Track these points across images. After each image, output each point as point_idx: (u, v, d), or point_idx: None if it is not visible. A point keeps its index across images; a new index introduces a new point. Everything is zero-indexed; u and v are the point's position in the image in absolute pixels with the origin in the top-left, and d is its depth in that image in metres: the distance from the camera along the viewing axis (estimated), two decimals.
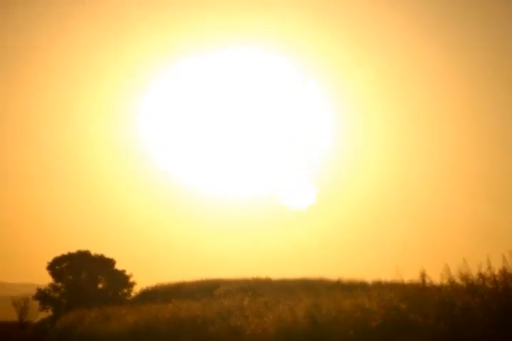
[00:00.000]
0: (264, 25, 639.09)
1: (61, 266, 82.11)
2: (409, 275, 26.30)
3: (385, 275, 45.46)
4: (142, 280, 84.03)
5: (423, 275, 25.05)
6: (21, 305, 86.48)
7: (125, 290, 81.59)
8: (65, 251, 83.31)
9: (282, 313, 30.20)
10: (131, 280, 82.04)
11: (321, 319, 26.56)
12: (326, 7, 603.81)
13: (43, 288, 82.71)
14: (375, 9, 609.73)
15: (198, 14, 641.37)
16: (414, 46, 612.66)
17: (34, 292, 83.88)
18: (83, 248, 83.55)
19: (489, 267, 22.98)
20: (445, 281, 24.02)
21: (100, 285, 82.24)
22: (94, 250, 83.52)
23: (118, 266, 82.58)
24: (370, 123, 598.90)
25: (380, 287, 34.82)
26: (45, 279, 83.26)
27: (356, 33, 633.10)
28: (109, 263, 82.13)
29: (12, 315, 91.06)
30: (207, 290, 54.61)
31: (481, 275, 22.98)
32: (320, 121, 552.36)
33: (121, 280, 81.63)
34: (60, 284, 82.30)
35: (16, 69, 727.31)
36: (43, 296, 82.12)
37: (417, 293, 24.38)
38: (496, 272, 22.78)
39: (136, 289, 79.64)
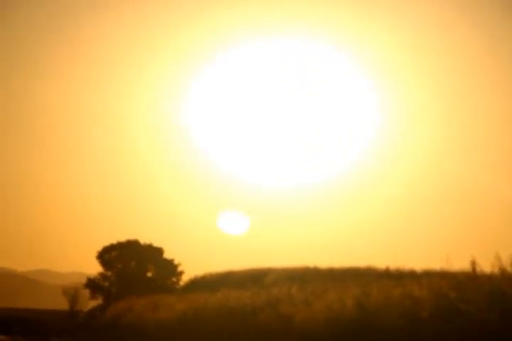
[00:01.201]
0: (307, 19, 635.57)
1: (110, 255, 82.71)
2: (459, 263, 26.07)
3: (434, 264, 45.17)
4: (191, 269, 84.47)
5: (473, 263, 24.78)
6: (72, 293, 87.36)
7: (174, 279, 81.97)
8: (114, 240, 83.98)
9: (331, 301, 30.11)
10: (179, 269, 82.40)
11: (369, 307, 26.42)
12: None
13: (92, 276, 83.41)
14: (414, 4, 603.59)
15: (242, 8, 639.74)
16: (460, 42, 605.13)
17: (84, 281, 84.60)
18: (132, 237, 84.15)
19: None
20: (496, 270, 23.75)
21: (149, 274, 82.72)
22: (143, 239, 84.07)
23: (166, 255, 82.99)
24: (411, 116, 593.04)
25: (429, 275, 34.54)
26: (95, 268, 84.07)
27: (396, 26, 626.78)
28: (157, 252, 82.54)
29: (63, 304, 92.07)
30: (255, 278, 54.59)
31: None
32: (360, 118, 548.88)
33: (170, 269, 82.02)
34: (109, 273, 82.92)
35: (61, 64, 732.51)
36: (92, 285, 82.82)
37: (468, 282, 24.13)
38: None
39: (185, 278, 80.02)
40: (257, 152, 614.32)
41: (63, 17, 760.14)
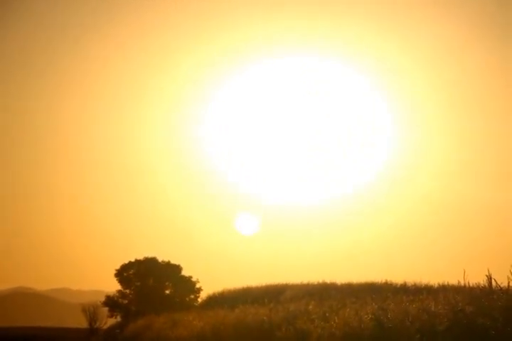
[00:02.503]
0: (319, 30, 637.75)
1: (129, 273, 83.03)
2: (475, 278, 26.13)
3: (449, 279, 45.20)
4: (208, 286, 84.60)
5: (489, 278, 24.82)
6: (91, 311, 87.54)
7: (192, 296, 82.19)
8: (132, 258, 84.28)
9: (348, 317, 30.16)
10: (197, 286, 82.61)
11: (387, 322, 26.46)
12: (385, 10, 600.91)
13: (111, 294, 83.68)
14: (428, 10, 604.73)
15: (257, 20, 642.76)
16: (474, 48, 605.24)
17: (103, 299, 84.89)
18: (150, 255, 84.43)
19: None
20: None
21: (167, 292, 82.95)
22: (161, 257, 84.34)
23: (185, 273, 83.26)
24: (428, 126, 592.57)
25: (445, 290, 34.58)
26: (113, 286, 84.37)
27: (412, 35, 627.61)
28: (175, 269, 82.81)
29: (82, 322, 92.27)
30: (273, 295, 54.69)
31: None
32: (377, 124, 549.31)
33: (188, 286, 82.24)
34: (127, 291, 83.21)
35: (76, 76, 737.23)
36: (111, 303, 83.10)
37: (484, 296, 24.16)
38: None
39: (203, 295, 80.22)
40: (273, 168, 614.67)
41: (78, 28, 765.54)
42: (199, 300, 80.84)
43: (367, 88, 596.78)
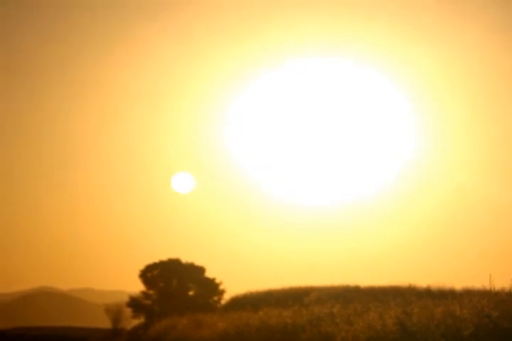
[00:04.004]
0: (346, 33, 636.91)
1: (152, 274, 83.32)
2: (500, 282, 26.06)
3: (474, 282, 45.05)
4: (232, 287, 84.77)
5: None
6: (114, 312, 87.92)
7: (215, 298, 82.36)
8: (155, 259, 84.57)
9: (372, 321, 30.16)
10: (221, 287, 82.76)
11: (411, 327, 26.44)
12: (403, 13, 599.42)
13: (135, 295, 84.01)
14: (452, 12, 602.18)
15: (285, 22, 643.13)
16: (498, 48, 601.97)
17: (126, 299, 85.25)
18: (173, 256, 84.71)
19: None
20: None
21: (191, 293, 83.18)
22: (185, 258, 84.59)
23: (208, 274, 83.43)
24: (449, 126, 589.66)
25: (470, 294, 34.44)
26: (136, 286, 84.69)
27: (434, 35, 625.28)
28: (199, 270, 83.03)
29: (105, 322, 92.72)
30: (297, 297, 54.71)
31: None
32: (401, 126, 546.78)
33: (212, 287, 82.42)
34: (151, 291, 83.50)
35: (98, 85, 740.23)
36: (135, 303, 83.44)
37: (510, 301, 24.11)
38: None
39: (226, 296, 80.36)
40: (296, 170, 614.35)
41: (98, 28, 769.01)
42: (222, 301, 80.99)
43: (386, 89, 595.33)
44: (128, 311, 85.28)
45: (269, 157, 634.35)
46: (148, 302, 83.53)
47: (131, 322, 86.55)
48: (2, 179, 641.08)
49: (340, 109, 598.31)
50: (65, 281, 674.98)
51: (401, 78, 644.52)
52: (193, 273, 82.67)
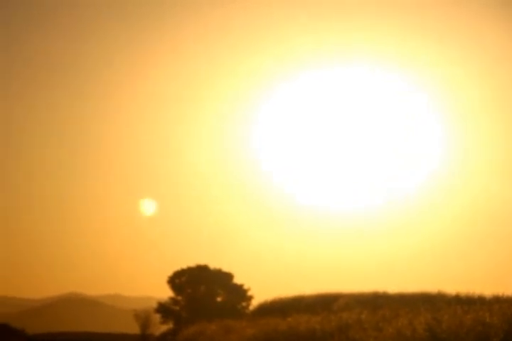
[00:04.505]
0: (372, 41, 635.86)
1: (181, 280, 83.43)
2: None
3: (503, 289, 44.80)
4: (260, 293, 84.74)
5: None
6: (143, 318, 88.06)
7: (243, 304, 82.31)
8: (183, 265, 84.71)
9: (401, 327, 30.14)
10: (249, 293, 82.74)
11: (441, 333, 26.43)
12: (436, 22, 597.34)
13: (163, 301, 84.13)
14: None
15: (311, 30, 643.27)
16: None
17: (154, 305, 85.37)
18: (202, 262, 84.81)
19: None
20: None
21: (219, 299, 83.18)
22: (213, 264, 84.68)
23: (236, 280, 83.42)
24: (479, 134, 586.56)
25: (499, 301, 34.33)
26: (165, 293, 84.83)
27: (466, 44, 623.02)
28: (227, 277, 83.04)
29: (133, 328, 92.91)
30: (325, 303, 54.66)
31: None
32: (424, 132, 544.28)
33: (240, 293, 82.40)
34: (179, 297, 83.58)
35: (127, 87, 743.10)
36: (163, 309, 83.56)
37: None
38: None
39: (254, 302, 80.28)
40: (324, 175, 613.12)
41: (135, 28, 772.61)
42: (250, 307, 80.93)
43: (408, 98, 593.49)
44: (156, 317, 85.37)
45: (299, 165, 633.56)
46: (177, 308, 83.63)
47: (160, 328, 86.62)
48: (32, 187, 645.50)
49: (362, 116, 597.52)
50: (93, 287, 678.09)
51: (422, 85, 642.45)
52: (221, 279, 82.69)
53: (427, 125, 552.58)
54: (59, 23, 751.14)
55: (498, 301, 34.91)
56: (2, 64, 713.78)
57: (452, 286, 56.29)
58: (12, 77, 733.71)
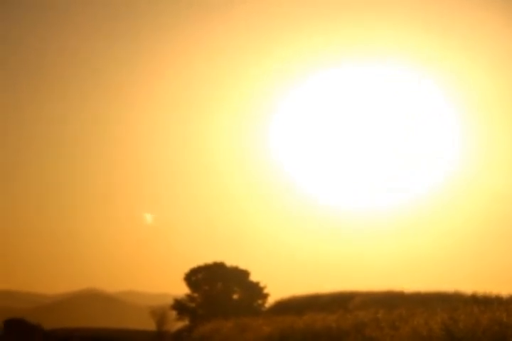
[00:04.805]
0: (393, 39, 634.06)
1: (197, 277, 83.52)
2: None
3: None
4: (276, 291, 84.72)
5: None
6: (159, 314, 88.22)
7: (260, 302, 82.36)
8: (200, 262, 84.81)
9: (417, 326, 30.11)
10: (265, 291, 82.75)
11: (457, 333, 26.39)
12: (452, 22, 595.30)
13: (179, 298, 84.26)
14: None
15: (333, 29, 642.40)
16: None
17: (170, 302, 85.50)
18: (218, 259, 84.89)
19: None
20: None
21: (235, 296, 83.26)
22: (229, 261, 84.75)
23: (252, 278, 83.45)
24: (497, 135, 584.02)
25: None
26: (182, 290, 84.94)
27: (486, 46, 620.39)
28: (244, 274, 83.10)
29: (150, 324, 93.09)
30: (341, 302, 54.69)
31: None
32: (446, 133, 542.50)
33: (256, 291, 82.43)
34: (196, 295, 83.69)
35: (145, 91, 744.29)
36: (179, 306, 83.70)
37: None
38: None
39: (270, 300, 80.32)
40: (342, 174, 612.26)
41: (151, 28, 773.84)
42: (266, 305, 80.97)
43: (427, 98, 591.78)
44: (172, 314, 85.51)
45: (316, 160, 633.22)
46: (193, 305, 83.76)
47: (176, 324, 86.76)
48: (49, 184, 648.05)
49: (378, 116, 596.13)
50: (110, 284, 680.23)
51: (443, 86, 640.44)
52: (237, 277, 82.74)
53: (442, 124, 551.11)
54: (69, 22, 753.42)
55: None
56: (13, 63, 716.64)
57: (469, 286, 56.06)
58: (21, 77, 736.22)
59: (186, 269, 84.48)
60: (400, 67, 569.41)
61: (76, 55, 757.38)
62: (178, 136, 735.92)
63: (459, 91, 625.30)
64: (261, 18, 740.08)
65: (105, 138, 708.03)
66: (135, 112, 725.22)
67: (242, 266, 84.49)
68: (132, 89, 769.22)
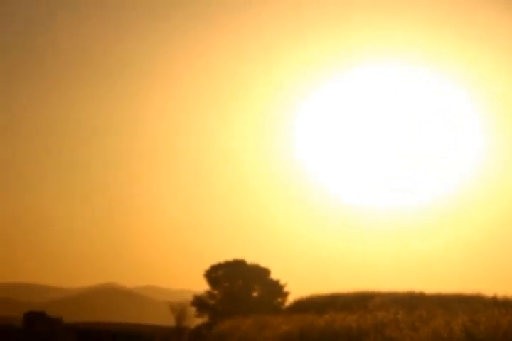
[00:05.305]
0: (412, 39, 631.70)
1: (217, 274, 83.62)
2: None
3: None
4: (296, 290, 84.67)
5: None
6: (178, 310, 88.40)
7: (279, 300, 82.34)
8: (221, 259, 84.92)
9: (438, 328, 30.07)
10: (285, 289, 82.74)
11: (478, 335, 26.35)
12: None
13: (199, 294, 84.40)
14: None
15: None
16: None
17: (190, 298, 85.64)
18: (239, 257, 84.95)
19: None
20: None
21: (255, 294, 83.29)
22: (250, 259, 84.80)
23: (273, 276, 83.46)
24: None
25: None
26: (201, 286, 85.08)
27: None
28: (264, 272, 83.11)
29: (168, 320, 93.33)
30: (361, 301, 54.63)
31: None
32: (465, 134, 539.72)
33: (276, 289, 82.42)
34: (216, 291, 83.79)
35: (162, 97, 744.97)
36: (199, 302, 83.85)
37: None
38: None
39: (290, 298, 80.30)
40: (363, 173, 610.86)
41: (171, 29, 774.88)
42: (286, 303, 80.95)
43: (456, 93, 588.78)
44: (192, 310, 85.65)
45: (337, 160, 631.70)
46: (213, 301, 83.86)
47: (195, 321, 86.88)
48: (73, 179, 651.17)
49: (407, 112, 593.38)
50: (131, 279, 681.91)
51: (469, 80, 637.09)
52: (257, 275, 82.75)
53: (472, 125, 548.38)
54: (86, 21, 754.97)
55: None
56: (31, 63, 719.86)
57: (490, 288, 55.88)
58: (38, 77, 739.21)
59: (207, 266, 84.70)
60: (408, 67, 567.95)
61: (95, 55, 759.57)
62: (201, 135, 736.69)
63: (474, 91, 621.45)
64: (285, 19, 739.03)
65: (128, 138, 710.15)
66: (157, 112, 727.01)
67: (263, 263, 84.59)
68: (153, 89, 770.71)
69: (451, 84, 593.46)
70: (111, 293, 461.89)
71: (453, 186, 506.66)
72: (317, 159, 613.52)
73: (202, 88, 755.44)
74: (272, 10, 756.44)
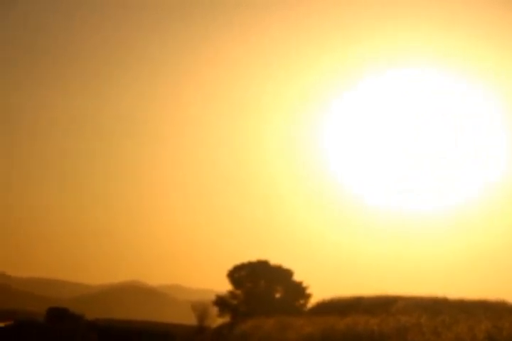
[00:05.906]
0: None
1: (240, 274, 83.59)
2: None
3: None
4: (319, 292, 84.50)
5: None
6: (200, 309, 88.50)
7: (301, 301, 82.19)
8: (244, 260, 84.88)
9: (461, 333, 29.90)
10: (307, 291, 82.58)
11: None
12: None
13: (221, 294, 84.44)
14: None
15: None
16: None
17: (212, 298, 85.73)
18: (262, 257, 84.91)
19: None
20: None
21: (277, 295, 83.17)
22: (273, 260, 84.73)
23: (296, 277, 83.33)
24: None
25: None
26: (224, 286, 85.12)
27: None
28: (287, 273, 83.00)
29: (191, 319, 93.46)
30: (384, 305, 54.43)
31: None
32: (496, 136, 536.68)
33: (299, 291, 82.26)
34: (238, 292, 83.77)
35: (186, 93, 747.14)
36: (221, 302, 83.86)
37: None
38: None
39: (312, 300, 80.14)
40: (389, 176, 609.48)
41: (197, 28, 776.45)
42: (308, 305, 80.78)
43: (488, 101, 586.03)
44: (214, 310, 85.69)
45: (363, 163, 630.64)
46: (235, 302, 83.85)
47: (217, 320, 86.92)
48: (96, 180, 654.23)
49: (431, 117, 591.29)
50: (154, 277, 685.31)
51: (482, 80, 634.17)
52: (280, 276, 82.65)
53: (499, 126, 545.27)
54: (107, 18, 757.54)
55: None
56: (50, 60, 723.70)
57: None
58: (46, 75, 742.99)
59: (230, 266, 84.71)
60: (423, 68, 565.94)
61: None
62: (229, 135, 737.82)
63: (487, 91, 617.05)
64: (317, 19, 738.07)
65: (158, 137, 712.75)
66: (186, 111, 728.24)
67: (286, 265, 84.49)
68: (183, 88, 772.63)
69: (462, 84, 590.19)
70: (134, 291, 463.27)
71: (478, 188, 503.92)
72: (344, 160, 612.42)
73: (234, 87, 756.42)
74: (309, 10, 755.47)
